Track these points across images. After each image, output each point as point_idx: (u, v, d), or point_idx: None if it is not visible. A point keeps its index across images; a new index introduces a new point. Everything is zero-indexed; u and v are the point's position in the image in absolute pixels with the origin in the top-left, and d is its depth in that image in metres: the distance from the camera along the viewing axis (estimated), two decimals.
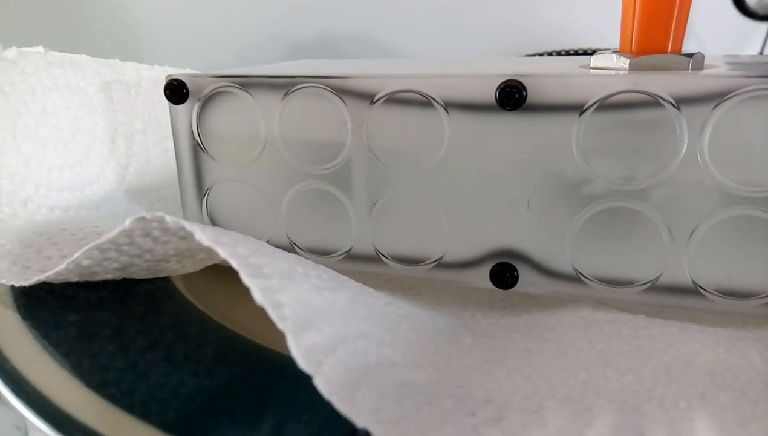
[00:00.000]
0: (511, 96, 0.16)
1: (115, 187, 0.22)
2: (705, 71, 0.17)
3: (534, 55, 0.38)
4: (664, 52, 0.18)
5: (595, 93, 0.16)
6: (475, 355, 0.15)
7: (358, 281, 0.17)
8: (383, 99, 0.18)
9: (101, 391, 0.14)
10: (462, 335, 0.17)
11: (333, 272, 0.16)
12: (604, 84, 0.16)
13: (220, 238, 0.13)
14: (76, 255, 0.15)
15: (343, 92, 0.18)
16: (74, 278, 0.17)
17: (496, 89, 0.16)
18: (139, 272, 0.17)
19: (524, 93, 0.16)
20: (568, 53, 0.38)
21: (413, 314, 0.17)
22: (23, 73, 0.19)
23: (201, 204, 0.21)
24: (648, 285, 0.17)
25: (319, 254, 0.20)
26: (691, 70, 0.17)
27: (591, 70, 0.18)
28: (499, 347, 0.16)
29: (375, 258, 0.19)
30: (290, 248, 0.20)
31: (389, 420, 0.10)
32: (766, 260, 0.16)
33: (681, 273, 0.16)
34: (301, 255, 0.20)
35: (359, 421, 0.10)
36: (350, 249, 0.20)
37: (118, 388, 0.14)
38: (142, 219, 0.13)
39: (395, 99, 0.18)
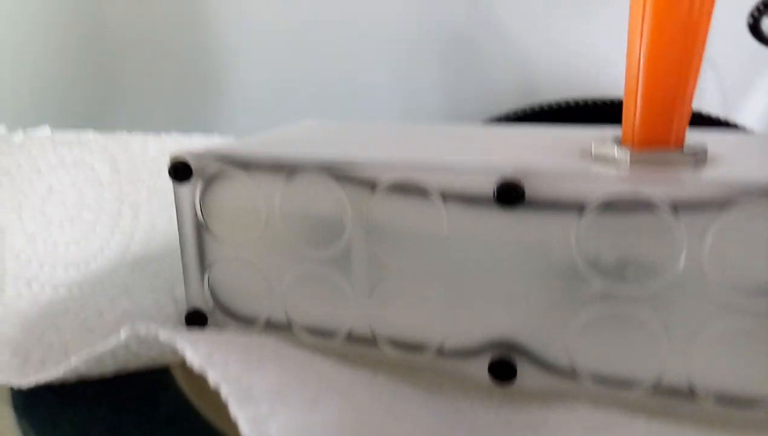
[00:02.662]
0: (508, 194, 0.16)
1: (119, 258, 0.22)
2: (707, 172, 0.16)
3: (540, 107, 0.37)
4: (667, 145, 0.18)
5: (594, 194, 0.16)
6: None
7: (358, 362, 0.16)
8: (383, 188, 0.18)
9: None
10: (458, 431, 0.16)
11: (326, 368, 0.16)
12: (604, 186, 0.16)
13: (212, 355, 0.13)
14: (72, 364, 0.15)
15: (343, 179, 0.18)
16: (72, 379, 0.17)
17: (494, 187, 0.16)
18: (137, 366, 0.17)
19: (522, 191, 0.16)
20: (577, 103, 0.38)
21: (409, 413, 0.16)
22: (29, 155, 0.19)
23: (203, 280, 0.21)
24: (647, 388, 0.16)
25: (318, 335, 0.20)
26: (694, 167, 0.17)
27: (593, 161, 0.18)
28: None
29: (374, 343, 0.19)
30: (288, 326, 0.20)
31: None
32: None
33: (681, 378, 0.16)
34: (299, 336, 0.20)
35: None
36: (349, 332, 0.20)
37: None
38: (137, 334, 0.13)
39: (395, 187, 0.18)
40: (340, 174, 0.18)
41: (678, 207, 0.15)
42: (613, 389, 0.17)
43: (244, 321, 0.21)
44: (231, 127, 0.44)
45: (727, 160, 0.18)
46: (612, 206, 0.16)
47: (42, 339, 0.18)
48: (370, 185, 0.18)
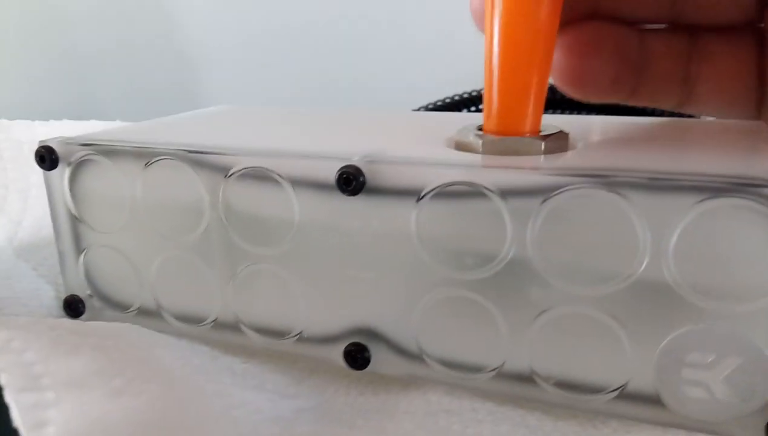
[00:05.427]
0: (349, 182, 0.16)
1: (5, 245, 0.22)
2: (548, 160, 0.16)
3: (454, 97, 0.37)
4: (521, 133, 0.17)
5: (429, 182, 0.16)
6: None
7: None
8: (236, 174, 0.18)
9: None
10: (302, 422, 0.16)
11: (167, 356, 0.16)
12: (437, 175, 0.16)
13: (11, 341, 0.13)
14: None
15: (199, 165, 0.18)
16: None
17: (336, 174, 0.16)
18: None
19: (362, 179, 0.16)
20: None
21: (250, 402, 0.16)
22: None
23: (77, 266, 0.21)
24: (491, 373, 0.17)
25: (188, 321, 0.20)
26: (545, 154, 0.17)
27: (453, 148, 0.18)
28: (333, 433, 0.16)
29: (239, 329, 0.19)
30: (158, 314, 0.20)
31: None
32: (604, 355, 0.15)
33: (522, 364, 0.16)
34: (170, 322, 0.20)
35: None
36: (216, 319, 0.20)
37: None
38: None
39: (248, 175, 0.18)
40: (194, 160, 0.18)
41: (504, 193, 0.15)
42: (460, 375, 0.17)
43: (120, 308, 0.21)
44: None
45: (586, 148, 0.18)
46: (447, 193, 0.16)
47: None
48: (224, 172, 0.18)
